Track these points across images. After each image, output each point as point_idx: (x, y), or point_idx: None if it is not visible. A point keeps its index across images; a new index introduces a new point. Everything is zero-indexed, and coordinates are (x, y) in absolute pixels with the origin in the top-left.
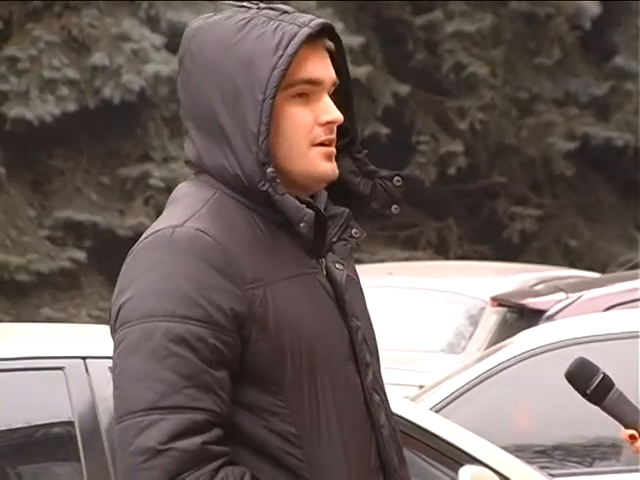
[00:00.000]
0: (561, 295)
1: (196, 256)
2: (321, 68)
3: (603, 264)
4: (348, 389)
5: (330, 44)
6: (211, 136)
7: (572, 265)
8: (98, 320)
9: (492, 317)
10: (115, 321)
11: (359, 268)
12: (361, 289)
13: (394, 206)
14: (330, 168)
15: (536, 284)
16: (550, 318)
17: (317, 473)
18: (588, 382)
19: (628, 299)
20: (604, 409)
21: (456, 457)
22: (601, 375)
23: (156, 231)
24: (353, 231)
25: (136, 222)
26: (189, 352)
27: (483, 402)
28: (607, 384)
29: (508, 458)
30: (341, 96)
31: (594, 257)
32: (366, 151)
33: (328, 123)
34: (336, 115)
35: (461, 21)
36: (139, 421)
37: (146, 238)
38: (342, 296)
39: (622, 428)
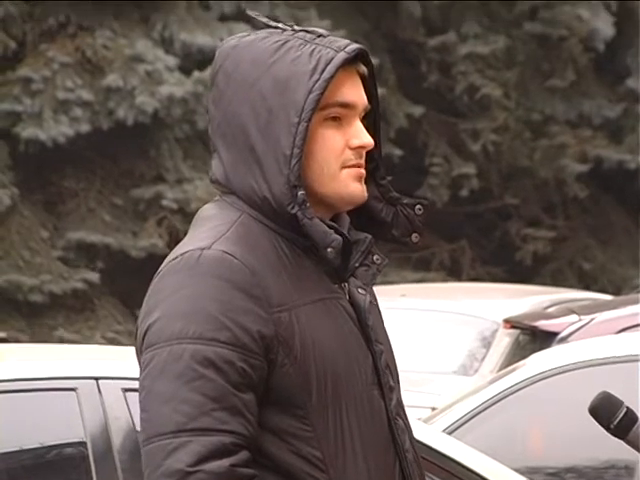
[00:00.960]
0: (574, 317)
1: (223, 278)
2: (354, 92)
3: (616, 287)
4: (372, 414)
5: (364, 69)
6: (241, 156)
7: (586, 288)
8: (112, 342)
9: (505, 339)
10: (142, 343)
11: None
12: (381, 314)
13: (414, 234)
14: (360, 189)
15: (549, 306)
16: (563, 340)
17: None
18: (612, 416)
19: None
20: (628, 443)
21: (468, 479)
22: (625, 409)
23: (183, 253)
24: (375, 257)
25: (149, 243)
26: (216, 374)
27: (496, 424)
28: (630, 418)
29: None
30: (369, 121)
31: (608, 280)
32: (390, 177)
33: (359, 147)
34: (367, 140)
35: (474, 43)
36: (167, 443)
37: (173, 260)
38: (365, 321)
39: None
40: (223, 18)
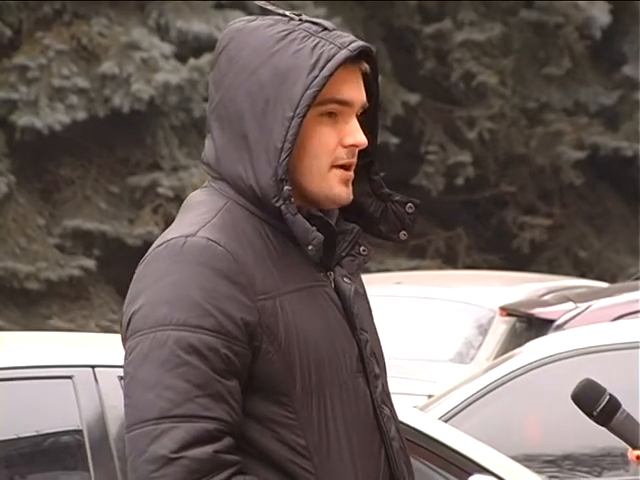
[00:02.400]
0: (570, 305)
1: (207, 266)
2: (353, 90)
3: (613, 274)
4: (357, 401)
5: (366, 67)
6: (233, 142)
7: (582, 276)
8: (106, 331)
9: (501, 327)
10: (126, 330)
11: (367, 277)
12: (368, 302)
13: (403, 232)
14: (345, 192)
15: (545, 294)
16: (559, 328)
17: None
18: (595, 404)
19: (637, 309)
20: (611, 430)
21: (465, 466)
22: (607, 396)
23: (167, 240)
24: (361, 248)
25: (145, 231)
26: (200, 361)
27: (492, 412)
28: (614, 405)
29: (517, 468)
30: (368, 118)
31: (604, 267)
32: (383, 174)
33: (352, 146)
34: (361, 139)
35: (470, 30)
36: (151, 429)
37: (158, 247)
38: (350, 309)
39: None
40: (219, 5)
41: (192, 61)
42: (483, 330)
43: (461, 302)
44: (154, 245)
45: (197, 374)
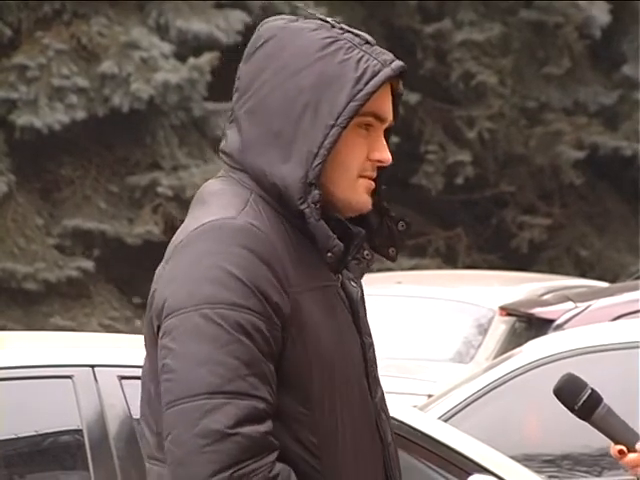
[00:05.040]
0: (570, 304)
1: (249, 248)
2: (388, 106)
3: (614, 274)
4: (363, 405)
5: (401, 88)
6: (263, 137)
7: (583, 275)
8: (109, 329)
9: (501, 326)
10: (161, 309)
11: (368, 277)
12: (366, 308)
13: (392, 249)
14: (367, 200)
15: (545, 293)
16: (559, 327)
17: None
18: (576, 398)
19: (637, 309)
20: (592, 424)
21: (464, 466)
22: (589, 391)
23: (205, 223)
24: (365, 252)
25: (144, 230)
26: (249, 340)
27: (491, 411)
28: (595, 400)
29: (516, 467)
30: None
31: (605, 267)
32: (385, 187)
33: (377, 161)
34: (387, 157)
35: (470, 30)
36: (203, 404)
37: (195, 230)
38: (357, 312)
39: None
40: (219, 5)
41: (192, 60)
42: (483, 330)
43: (461, 302)
44: (187, 230)
45: (247, 352)
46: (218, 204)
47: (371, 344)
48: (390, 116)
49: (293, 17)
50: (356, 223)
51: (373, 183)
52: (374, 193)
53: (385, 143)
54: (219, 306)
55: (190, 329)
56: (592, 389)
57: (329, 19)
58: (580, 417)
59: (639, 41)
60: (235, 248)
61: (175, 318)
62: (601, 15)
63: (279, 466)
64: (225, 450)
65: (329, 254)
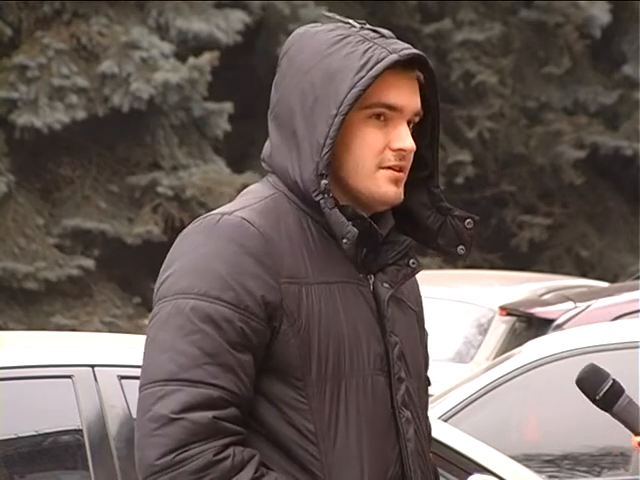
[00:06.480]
0: (570, 304)
1: (236, 242)
2: (403, 96)
3: (614, 274)
4: (374, 398)
5: (419, 74)
6: (285, 139)
7: (584, 275)
8: (111, 327)
9: (501, 326)
10: (156, 295)
11: None
12: (410, 312)
13: (460, 247)
14: (393, 191)
15: (545, 293)
16: (559, 327)
17: (329, 472)
18: (597, 388)
19: (637, 309)
20: (613, 415)
21: (464, 466)
22: (611, 381)
23: (205, 217)
24: (411, 261)
25: (144, 230)
26: (214, 331)
27: (491, 411)
28: (617, 390)
29: (516, 467)
30: (426, 128)
31: (605, 266)
32: (443, 187)
33: (399, 150)
34: (409, 144)
35: (470, 30)
36: (157, 390)
37: (195, 222)
38: (383, 312)
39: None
40: (219, 5)
41: (192, 60)
42: (483, 329)
43: (461, 302)
44: (192, 222)
45: (209, 342)
46: (234, 202)
47: (397, 343)
48: (410, 106)
49: (316, 24)
50: (411, 229)
51: (401, 174)
52: (406, 186)
53: (407, 131)
54: (191, 296)
55: (162, 318)
56: (614, 380)
57: (351, 20)
58: (601, 408)
59: (639, 41)
60: (223, 242)
61: (156, 306)
62: (601, 15)
63: (236, 448)
64: (171, 434)
65: (344, 240)
